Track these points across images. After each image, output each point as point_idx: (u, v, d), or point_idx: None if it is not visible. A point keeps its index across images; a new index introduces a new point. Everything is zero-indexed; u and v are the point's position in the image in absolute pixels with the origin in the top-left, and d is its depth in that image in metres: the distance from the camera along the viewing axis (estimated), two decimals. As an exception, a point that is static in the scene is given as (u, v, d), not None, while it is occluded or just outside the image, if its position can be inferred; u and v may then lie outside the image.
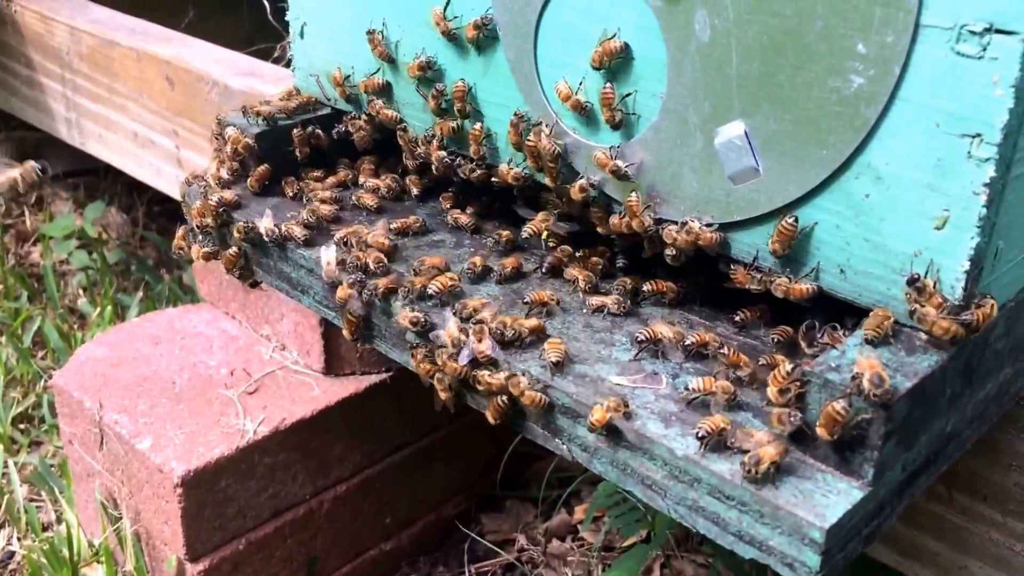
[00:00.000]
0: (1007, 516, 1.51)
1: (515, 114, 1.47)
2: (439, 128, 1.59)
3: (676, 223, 1.35)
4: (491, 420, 1.34)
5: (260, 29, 2.73)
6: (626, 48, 1.32)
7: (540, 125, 1.44)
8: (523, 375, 1.28)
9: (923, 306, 1.12)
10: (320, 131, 1.78)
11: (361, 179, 1.78)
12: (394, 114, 1.67)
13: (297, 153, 1.77)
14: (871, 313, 1.17)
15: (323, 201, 1.67)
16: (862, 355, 1.08)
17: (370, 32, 1.64)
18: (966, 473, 1.53)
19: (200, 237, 1.70)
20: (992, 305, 1.13)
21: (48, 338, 2.81)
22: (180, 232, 1.78)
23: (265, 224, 1.60)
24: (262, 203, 1.70)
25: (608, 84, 1.36)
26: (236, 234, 1.62)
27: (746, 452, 1.10)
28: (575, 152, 1.44)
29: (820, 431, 1.07)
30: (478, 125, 1.54)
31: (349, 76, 1.72)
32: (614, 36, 1.33)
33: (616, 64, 1.34)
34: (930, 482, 1.23)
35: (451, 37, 1.52)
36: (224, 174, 1.72)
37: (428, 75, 1.58)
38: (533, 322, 1.35)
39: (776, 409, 1.12)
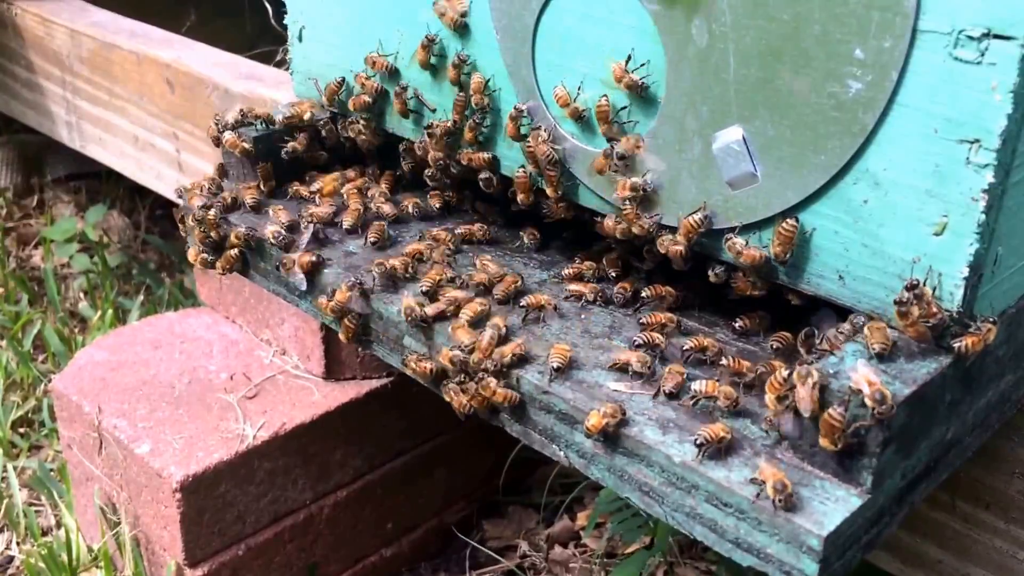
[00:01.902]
0: (1010, 524, 1.50)
1: (515, 107, 1.47)
2: (435, 127, 1.58)
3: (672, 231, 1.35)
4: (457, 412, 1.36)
5: (262, 33, 2.73)
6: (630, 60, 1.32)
7: (539, 129, 1.44)
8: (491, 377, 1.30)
9: (912, 305, 1.12)
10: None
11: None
12: (367, 100, 1.68)
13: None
14: (871, 326, 1.15)
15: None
16: (858, 370, 1.06)
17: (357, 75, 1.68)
18: (969, 481, 1.52)
19: (200, 246, 1.70)
20: (980, 338, 1.13)
21: (49, 342, 2.81)
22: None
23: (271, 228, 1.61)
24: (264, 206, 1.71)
25: (604, 98, 1.35)
26: (235, 239, 1.62)
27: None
28: (573, 157, 1.44)
29: (823, 442, 1.06)
30: (486, 155, 1.55)
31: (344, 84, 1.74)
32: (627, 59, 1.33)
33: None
34: (931, 490, 1.22)
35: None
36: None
37: (434, 52, 1.57)
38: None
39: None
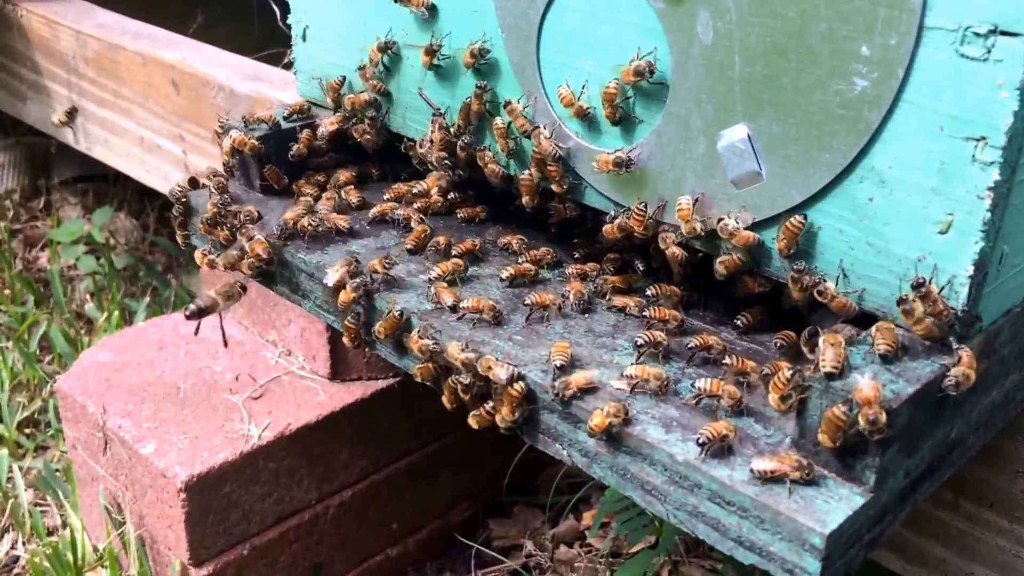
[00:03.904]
0: (1013, 523, 1.50)
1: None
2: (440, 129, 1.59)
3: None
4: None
5: (270, 35, 2.73)
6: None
7: (542, 128, 1.44)
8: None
9: (914, 301, 1.12)
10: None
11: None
12: (367, 97, 1.69)
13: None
14: (880, 327, 1.15)
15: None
16: (865, 381, 1.05)
17: (360, 68, 1.68)
18: (973, 480, 1.52)
19: (209, 247, 1.70)
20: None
21: (55, 343, 2.81)
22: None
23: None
24: (265, 205, 1.71)
25: (613, 81, 1.35)
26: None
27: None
28: (577, 156, 1.44)
29: (822, 437, 1.06)
30: (494, 163, 1.55)
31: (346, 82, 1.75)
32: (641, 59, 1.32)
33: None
34: (934, 488, 1.22)
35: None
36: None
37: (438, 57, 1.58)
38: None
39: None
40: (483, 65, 1.52)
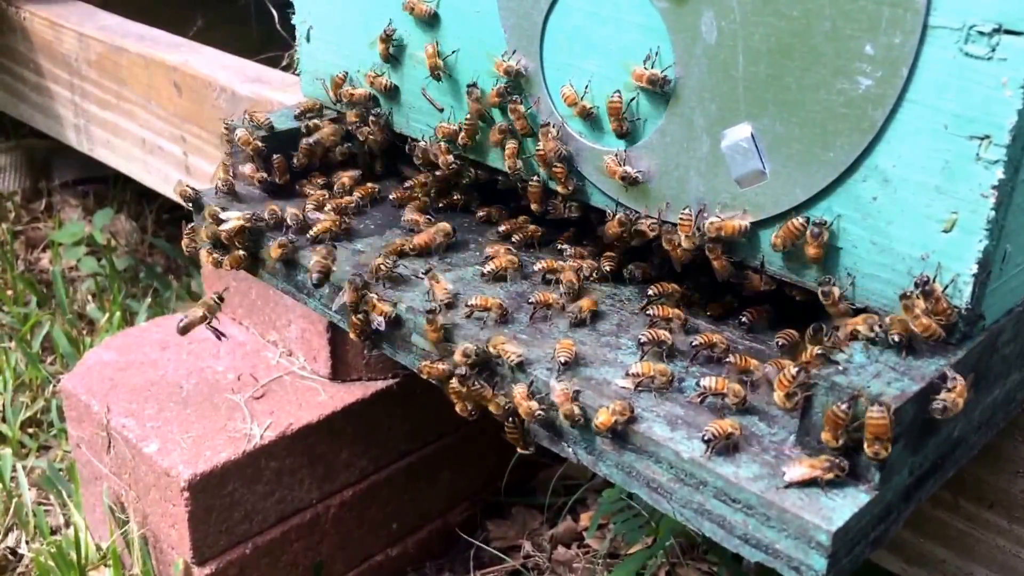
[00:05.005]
0: (1013, 523, 1.51)
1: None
2: (439, 132, 1.59)
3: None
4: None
5: (268, 39, 2.74)
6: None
7: (547, 126, 1.44)
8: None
9: (916, 298, 1.12)
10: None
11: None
12: (365, 92, 1.71)
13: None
14: (891, 319, 1.15)
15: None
16: (878, 410, 1.03)
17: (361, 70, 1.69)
18: (972, 480, 1.53)
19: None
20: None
21: (57, 343, 2.81)
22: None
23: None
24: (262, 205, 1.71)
25: (616, 94, 1.35)
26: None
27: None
28: (580, 156, 1.44)
29: (825, 437, 1.06)
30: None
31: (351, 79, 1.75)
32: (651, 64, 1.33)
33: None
34: (937, 487, 1.22)
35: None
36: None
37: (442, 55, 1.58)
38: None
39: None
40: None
